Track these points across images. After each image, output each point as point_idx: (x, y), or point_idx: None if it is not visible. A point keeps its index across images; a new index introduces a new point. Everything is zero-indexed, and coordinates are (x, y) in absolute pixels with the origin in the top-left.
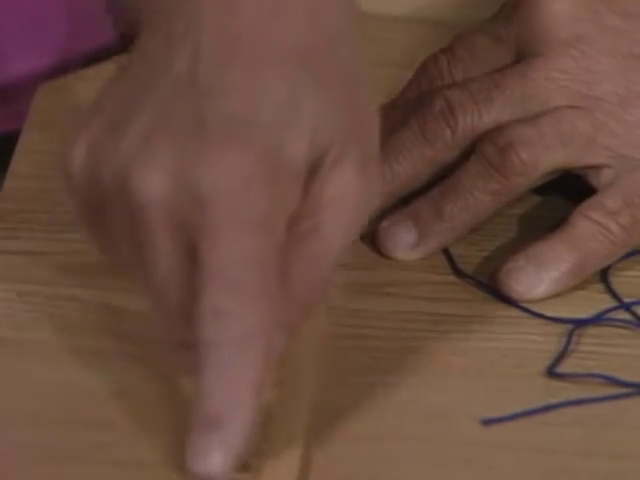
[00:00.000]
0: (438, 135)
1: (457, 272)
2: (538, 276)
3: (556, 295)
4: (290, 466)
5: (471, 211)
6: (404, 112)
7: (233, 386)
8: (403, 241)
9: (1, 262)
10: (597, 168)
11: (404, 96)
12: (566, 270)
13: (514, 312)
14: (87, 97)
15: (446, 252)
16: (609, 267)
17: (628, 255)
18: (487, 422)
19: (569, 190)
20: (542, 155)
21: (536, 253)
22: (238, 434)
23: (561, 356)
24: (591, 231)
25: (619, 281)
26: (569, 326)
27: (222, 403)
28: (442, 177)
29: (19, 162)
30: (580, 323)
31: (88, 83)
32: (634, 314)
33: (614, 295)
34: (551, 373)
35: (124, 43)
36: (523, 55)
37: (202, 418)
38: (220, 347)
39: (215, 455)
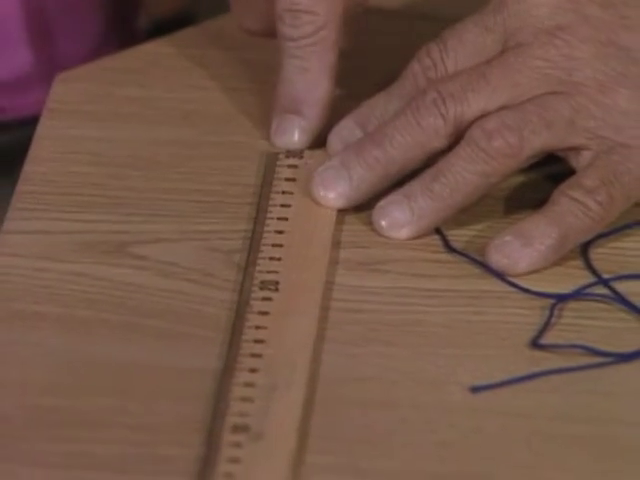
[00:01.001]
0: (431, 123)
1: (449, 249)
2: (524, 250)
3: (540, 272)
4: (289, 432)
5: (461, 192)
6: (399, 102)
7: (309, 72)
8: (398, 221)
9: (20, 240)
10: (577, 150)
11: (400, 85)
12: (549, 244)
13: (501, 287)
14: (102, 86)
15: (438, 231)
16: (589, 245)
17: (607, 234)
18: (475, 389)
19: (551, 171)
20: (528, 138)
21: (522, 230)
22: (314, 111)
23: (544, 328)
24: (571, 208)
25: (598, 258)
26: (552, 301)
27: (301, 87)
28: (434, 161)
29: (38, 147)
30: (562, 298)
31: (104, 72)
32: (611, 289)
33: (593, 271)
34: (534, 344)
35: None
36: (510, 43)
37: (283, 101)
38: (296, 41)
39: (294, 131)
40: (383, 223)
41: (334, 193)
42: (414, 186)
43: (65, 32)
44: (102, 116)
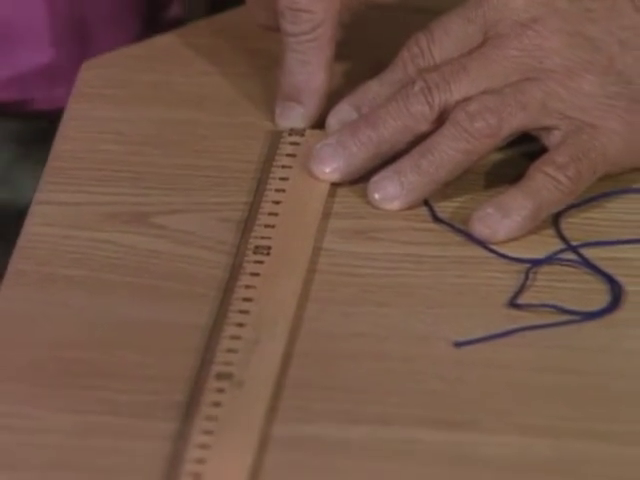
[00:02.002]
0: (419, 110)
1: (436, 219)
2: (503, 221)
3: (516, 239)
4: (267, 381)
5: (446, 168)
6: (390, 87)
7: (308, 65)
8: (390, 194)
9: (50, 211)
10: (549, 129)
11: (391, 71)
12: (525, 215)
13: (482, 254)
14: (124, 72)
15: (426, 202)
16: (560, 215)
17: (576, 205)
18: (458, 344)
19: (526, 149)
20: (506, 119)
21: (501, 202)
22: (312, 100)
23: (520, 290)
24: (544, 182)
25: (568, 227)
26: (527, 265)
27: (301, 78)
28: (422, 139)
29: (66, 127)
30: (536, 263)
31: (126, 60)
32: (579, 254)
33: (563, 239)
34: (512, 304)
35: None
36: (490, 34)
37: (286, 90)
38: (297, 37)
39: (295, 117)
40: (377, 196)
41: (330, 168)
42: (404, 163)
43: (102, 36)
44: (124, 99)
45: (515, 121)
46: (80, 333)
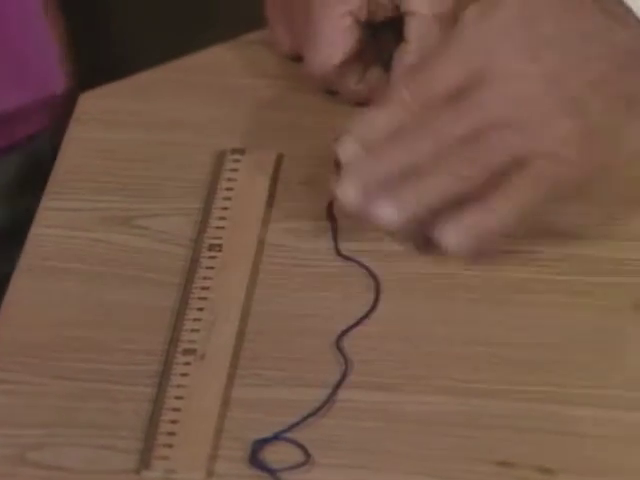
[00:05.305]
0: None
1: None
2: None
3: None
4: (225, 354)
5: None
6: (393, 120)
7: None
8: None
9: (53, 215)
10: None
11: (393, 105)
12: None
13: (398, 248)
14: (114, 102)
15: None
16: None
17: None
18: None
19: None
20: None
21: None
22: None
23: None
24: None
25: None
26: None
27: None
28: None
29: (66, 147)
30: None
31: (116, 92)
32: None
33: None
34: None
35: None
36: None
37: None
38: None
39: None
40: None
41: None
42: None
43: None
44: (114, 124)
45: (496, 163)
46: (77, 315)
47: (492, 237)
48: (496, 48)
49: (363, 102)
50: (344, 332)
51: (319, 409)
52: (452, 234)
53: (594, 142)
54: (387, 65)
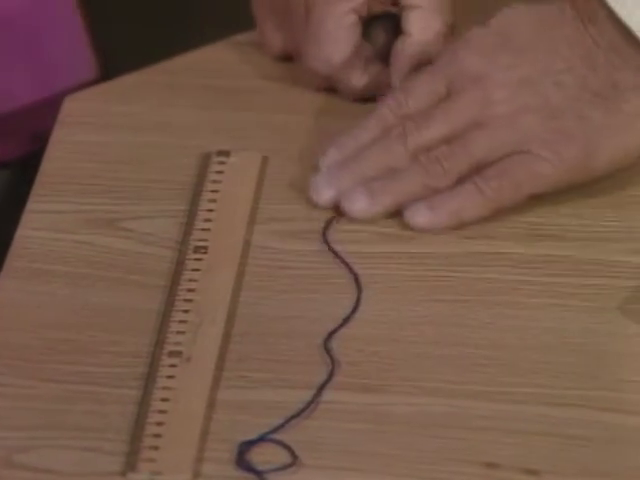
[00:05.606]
0: (395, 149)
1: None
2: (427, 212)
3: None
4: (211, 356)
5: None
6: (373, 132)
7: None
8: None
9: (38, 218)
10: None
11: (374, 120)
12: (448, 211)
13: (392, 249)
14: (98, 104)
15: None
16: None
17: None
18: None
19: None
20: (455, 164)
21: (431, 199)
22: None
23: None
24: (470, 188)
25: None
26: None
27: None
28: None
29: (51, 149)
30: None
31: (101, 94)
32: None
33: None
34: None
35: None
36: (450, 88)
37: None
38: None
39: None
40: (347, 205)
41: (326, 196)
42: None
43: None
44: (99, 126)
45: (462, 165)
46: (62, 317)
47: (459, 220)
48: (468, 60)
49: (362, 98)
50: (332, 333)
51: (303, 410)
52: (422, 212)
53: (570, 140)
54: (383, 59)
